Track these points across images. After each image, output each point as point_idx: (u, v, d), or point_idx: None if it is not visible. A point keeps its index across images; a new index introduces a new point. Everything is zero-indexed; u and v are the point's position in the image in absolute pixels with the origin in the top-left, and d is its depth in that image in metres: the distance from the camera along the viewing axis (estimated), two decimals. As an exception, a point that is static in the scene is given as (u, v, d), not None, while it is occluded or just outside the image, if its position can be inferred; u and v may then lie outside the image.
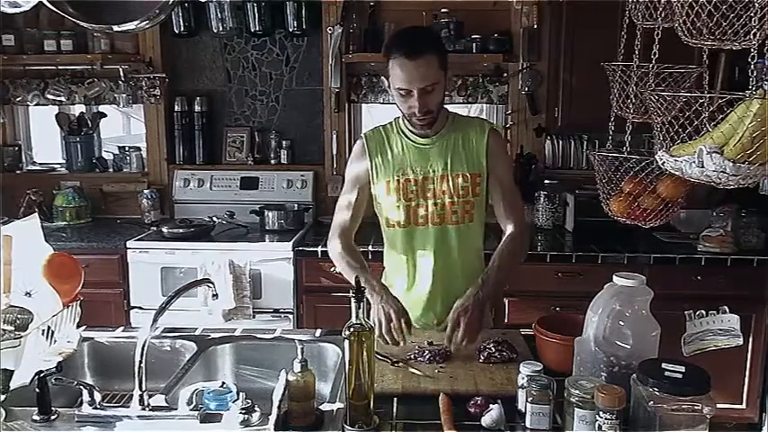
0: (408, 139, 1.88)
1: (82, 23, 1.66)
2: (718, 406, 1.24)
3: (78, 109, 3.73)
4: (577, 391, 1.25)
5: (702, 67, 1.55)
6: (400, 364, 1.60)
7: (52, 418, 1.36)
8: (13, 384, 1.45)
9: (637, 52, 1.54)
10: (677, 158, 1.33)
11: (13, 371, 1.46)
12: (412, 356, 1.65)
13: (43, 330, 1.61)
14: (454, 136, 1.88)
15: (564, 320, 1.66)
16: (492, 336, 1.72)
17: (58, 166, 3.80)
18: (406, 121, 1.88)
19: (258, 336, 1.85)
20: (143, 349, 1.36)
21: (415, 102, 1.74)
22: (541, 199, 3.34)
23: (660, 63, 1.51)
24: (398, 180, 1.86)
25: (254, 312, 3.01)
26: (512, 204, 1.91)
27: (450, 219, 1.86)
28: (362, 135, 1.95)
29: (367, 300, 1.32)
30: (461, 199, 1.85)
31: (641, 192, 1.54)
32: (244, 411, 1.31)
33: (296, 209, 3.39)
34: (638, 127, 1.59)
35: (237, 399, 1.33)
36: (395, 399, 1.45)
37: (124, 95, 3.51)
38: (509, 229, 1.88)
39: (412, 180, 1.86)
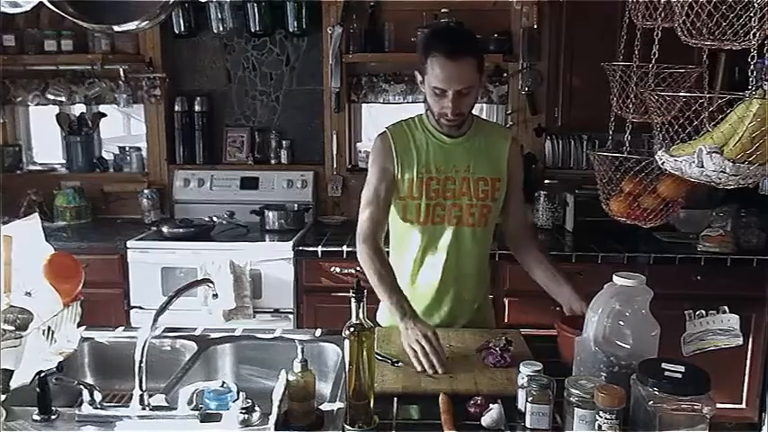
0: (433, 137, 1.87)
1: (82, 23, 1.66)
2: (718, 406, 1.24)
3: (78, 109, 3.73)
4: (577, 391, 1.25)
5: (702, 68, 1.55)
6: (400, 364, 1.60)
7: (52, 417, 1.36)
8: (14, 384, 1.45)
9: (637, 52, 1.54)
10: (677, 158, 1.33)
11: (13, 371, 1.46)
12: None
13: (43, 330, 1.60)
14: (478, 139, 1.88)
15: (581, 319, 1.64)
16: (494, 335, 1.72)
17: (59, 166, 3.81)
18: (432, 119, 1.87)
19: (258, 336, 1.85)
20: (143, 349, 1.36)
21: (449, 103, 1.74)
22: (541, 199, 3.34)
23: (660, 63, 1.51)
24: (422, 177, 1.85)
25: (254, 312, 3.01)
26: (522, 210, 2.02)
27: (467, 221, 1.86)
28: (386, 129, 1.93)
29: (367, 300, 1.32)
30: (480, 202, 1.85)
31: (641, 192, 1.53)
32: (244, 411, 1.31)
33: (296, 209, 3.39)
34: (638, 127, 1.59)
35: (237, 399, 1.33)
36: (395, 399, 1.45)
37: (124, 95, 3.51)
38: (527, 232, 2.02)
39: (435, 178, 1.85)
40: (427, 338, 1.59)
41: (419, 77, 1.82)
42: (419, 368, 1.57)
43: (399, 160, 1.87)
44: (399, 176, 1.87)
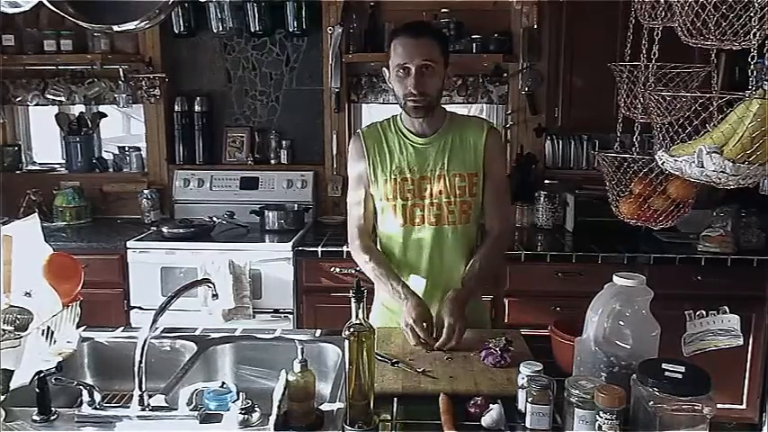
0: (406, 138, 1.88)
1: (82, 23, 1.66)
2: (719, 406, 1.24)
3: (78, 109, 3.73)
4: (577, 391, 1.25)
5: (711, 66, 1.54)
6: (400, 364, 1.60)
7: (52, 418, 1.35)
8: (13, 384, 1.45)
9: (644, 51, 1.53)
10: (677, 158, 1.33)
11: (13, 371, 1.46)
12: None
13: (43, 330, 1.60)
14: (452, 135, 1.87)
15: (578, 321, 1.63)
16: (494, 335, 1.72)
17: (58, 166, 3.81)
18: (405, 120, 1.88)
19: (258, 336, 1.85)
20: (143, 349, 1.36)
21: (412, 79, 1.74)
22: (541, 199, 3.34)
23: (667, 63, 1.50)
24: (395, 179, 1.85)
25: (254, 312, 3.01)
26: (500, 204, 1.93)
27: (446, 219, 1.86)
28: (359, 132, 1.94)
29: (367, 300, 1.32)
30: (458, 199, 1.85)
31: (651, 193, 1.52)
32: (244, 411, 1.31)
33: (296, 209, 3.39)
34: (639, 127, 1.59)
35: (237, 399, 1.33)
36: (395, 399, 1.45)
37: (124, 95, 3.51)
38: (494, 229, 1.91)
39: (409, 179, 1.85)
40: (414, 324, 1.70)
41: (386, 74, 1.84)
42: (414, 344, 1.71)
43: (371, 162, 1.88)
44: (373, 178, 1.88)
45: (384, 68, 1.86)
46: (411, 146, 1.87)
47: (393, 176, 1.86)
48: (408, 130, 1.88)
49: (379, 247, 1.98)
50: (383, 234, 1.95)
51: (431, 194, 1.85)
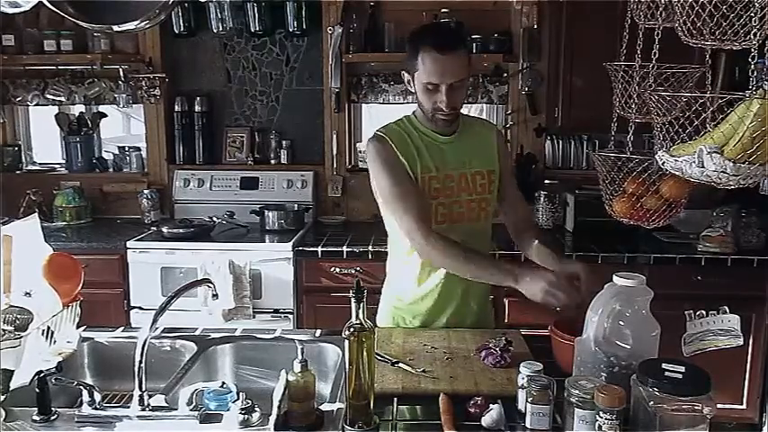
0: (427, 137, 1.85)
1: (82, 23, 1.66)
2: (719, 406, 1.24)
3: (78, 109, 3.73)
4: (577, 391, 1.25)
5: (705, 67, 1.54)
6: (400, 364, 1.60)
7: (52, 418, 1.35)
8: (13, 384, 1.45)
9: (639, 52, 1.54)
10: (677, 158, 1.33)
11: (13, 371, 1.46)
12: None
13: (43, 330, 1.61)
14: (468, 134, 1.89)
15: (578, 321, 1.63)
16: (494, 335, 1.72)
17: (58, 166, 3.81)
18: (422, 119, 1.86)
19: (258, 336, 1.85)
20: (143, 349, 1.36)
21: (443, 96, 1.73)
22: (541, 199, 3.34)
23: (662, 63, 1.50)
24: (423, 177, 1.81)
25: (254, 312, 3.01)
26: (518, 195, 2.00)
27: (468, 216, 1.85)
28: (381, 133, 1.84)
29: (367, 300, 1.32)
30: (479, 197, 1.85)
31: (644, 192, 1.53)
32: (244, 411, 1.31)
33: (296, 209, 3.39)
34: (638, 127, 1.59)
35: (237, 399, 1.33)
36: (395, 399, 1.45)
37: (124, 95, 3.51)
38: (528, 228, 1.96)
39: (435, 178, 1.82)
40: (552, 285, 1.64)
41: (406, 77, 1.82)
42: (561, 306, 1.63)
43: (403, 162, 1.81)
44: None
45: (403, 72, 1.83)
46: (434, 144, 1.85)
47: (422, 175, 1.81)
48: (428, 128, 1.86)
49: (396, 247, 1.94)
50: (403, 235, 1.88)
51: (453, 192, 1.84)
